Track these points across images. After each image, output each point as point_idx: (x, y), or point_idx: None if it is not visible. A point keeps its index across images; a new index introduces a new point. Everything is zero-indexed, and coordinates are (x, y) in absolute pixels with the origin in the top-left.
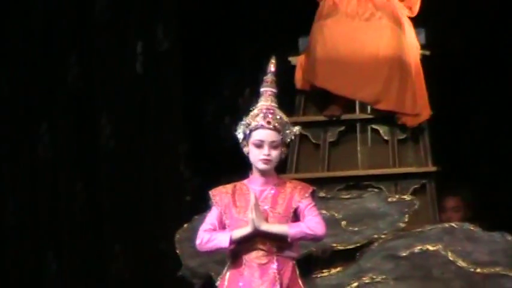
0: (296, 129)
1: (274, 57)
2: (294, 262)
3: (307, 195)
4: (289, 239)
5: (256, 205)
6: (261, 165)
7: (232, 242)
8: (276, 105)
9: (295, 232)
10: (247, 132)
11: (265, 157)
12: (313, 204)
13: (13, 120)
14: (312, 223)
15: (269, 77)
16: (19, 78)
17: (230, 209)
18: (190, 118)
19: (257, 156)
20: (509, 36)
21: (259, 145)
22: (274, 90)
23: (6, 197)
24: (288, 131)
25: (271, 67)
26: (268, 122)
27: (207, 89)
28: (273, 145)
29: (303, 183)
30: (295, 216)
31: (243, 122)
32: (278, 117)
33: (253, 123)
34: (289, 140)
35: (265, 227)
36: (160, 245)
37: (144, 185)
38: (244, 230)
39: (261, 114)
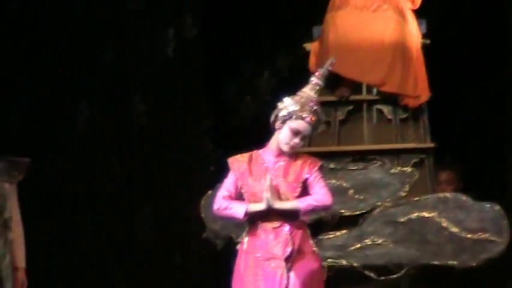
0: (323, 126)
1: (332, 60)
2: (305, 225)
3: (316, 168)
4: (300, 213)
5: (271, 186)
6: (287, 149)
7: (246, 214)
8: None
9: (306, 206)
10: (292, 115)
11: (294, 145)
12: (320, 176)
13: (56, 98)
14: (319, 195)
15: (322, 71)
16: (62, 61)
17: (246, 177)
18: (214, 97)
19: (287, 140)
20: (499, 26)
21: (295, 132)
22: (321, 84)
23: (51, 167)
24: (319, 128)
25: (330, 66)
26: (312, 119)
27: (228, 72)
28: (304, 137)
29: (312, 158)
30: (304, 187)
31: (292, 102)
32: (319, 115)
33: (301, 114)
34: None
35: (278, 205)
36: (186, 210)
37: (172, 156)
38: (259, 206)
39: (309, 108)
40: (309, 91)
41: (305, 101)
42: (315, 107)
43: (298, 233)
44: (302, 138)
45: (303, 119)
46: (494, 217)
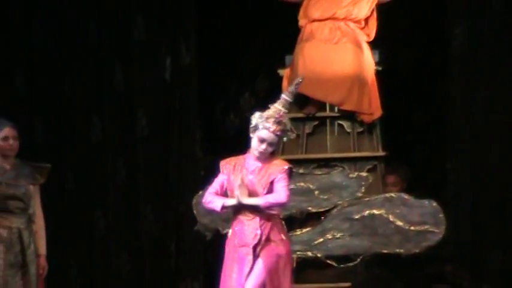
0: (292, 135)
1: (299, 80)
2: (276, 217)
3: (281, 170)
4: (261, 208)
5: (242, 184)
6: (257, 154)
7: (223, 207)
8: (287, 111)
9: (264, 202)
10: (259, 125)
11: (262, 151)
12: (284, 178)
13: (73, 114)
14: (277, 194)
15: (290, 89)
16: (79, 83)
17: (230, 174)
18: (204, 113)
19: (256, 147)
20: (440, 55)
21: (261, 140)
22: (289, 99)
23: (69, 171)
24: (286, 137)
25: (297, 85)
26: (275, 130)
27: (216, 92)
28: (271, 144)
29: (283, 162)
30: (271, 186)
31: (260, 114)
32: (284, 125)
33: (265, 124)
34: (284, 140)
35: (245, 201)
36: (180, 207)
37: (169, 162)
38: (232, 202)
39: (273, 120)
40: (277, 105)
41: (272, 113)
42: (280, 119)
43: (268, 225)
44: (269, 145)
45: (267, 128)
46: (432, 212)
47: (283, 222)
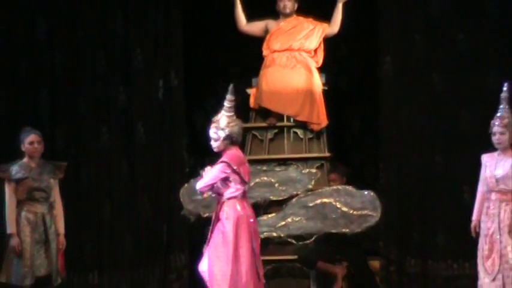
0: (222, 132)
1: (231, 86)
2: (225, 200)
3: (218, 163)
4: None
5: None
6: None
7: (200, 190)
8: (229, 114)
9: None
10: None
11: (212, 146)
12: (213, 166)
13: (85, 124)
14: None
15: (228, 97)
16: (90, 100)
17: None
18: (189, 125)
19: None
20: (373, 77)
21: (209, 137)
22: (228, 105)
23: (82, 168)
24: (221, 134)
25: (230, 92)
26: (212, 127)
27: (199, 108)
28: (213, 139)
29: (225, 157)
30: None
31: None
32: (218, 123)
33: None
34: (226, 135)
35: (197, 185)
36: (170, 197)
37: (162, 162)
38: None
39: (214, 121)
40: (222, 111)
41: (215, 117)
42: (215, 120)
43: (219, 205)
44: (214, 140)
45: (210, 127)
46: (370, 200)
47: (236, 203)
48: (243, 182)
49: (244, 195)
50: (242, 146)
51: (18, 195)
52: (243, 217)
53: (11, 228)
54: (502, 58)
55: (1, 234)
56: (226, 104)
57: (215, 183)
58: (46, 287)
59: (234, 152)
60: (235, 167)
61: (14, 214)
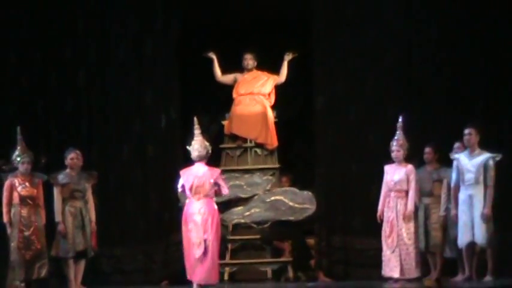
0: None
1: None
2: (211, 201)
3: (217, 174)
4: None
5: None
6: None
7: None
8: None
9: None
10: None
11: None
12: (221, 178)
13: (111, 146)
14: (223, 188)
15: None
16: (112, 130)
17: None
18: (183, 145)
19: None
20: (305, 110)
21: None
22: (198, 131)
23: (109, 176)
24: (199, 150)
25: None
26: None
27: (191, 134)
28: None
29: (215, 169)
30: (215, 183)
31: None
32: (193, 144)
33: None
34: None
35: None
36: (171, 193)
37: (165, 170)
38: None
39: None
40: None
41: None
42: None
43: (206, 205)
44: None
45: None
46: (308, 197)
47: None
48: None
49: None
50: (218, 161)
51: (63, 194)
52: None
53: (58, 217)
54: (397, 97)
55: (52, 222)
56: (196, 130)
57: None
58: (83, 258)
59: None
60: None
61: (60, 208)
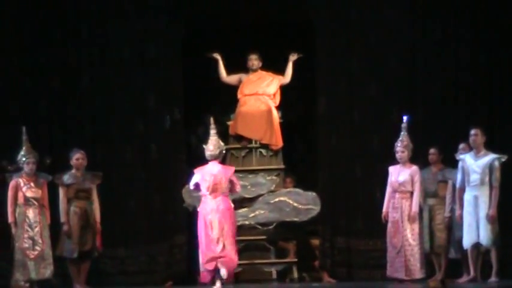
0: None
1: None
2: (227, 199)
3: (231, 172)
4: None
5: None
6: None
7: None
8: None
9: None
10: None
11: None
12: (234, 176)
13: (115, 147)
14: (237, 186)
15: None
16: (119, 129)
17: None
18: (187, 145)
19: None
20: (311, 112)
21: None
22: (214, 131)
23: (113, 176)
24: (212, 150)
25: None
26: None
27: (194, 135)
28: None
29: (229, 167)
30: (231, 181)
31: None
32: (208, 144)
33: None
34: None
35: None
36: (175, 194)
37: (168, 171)
38: None
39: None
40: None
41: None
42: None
43: (222, 202)
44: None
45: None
46: (313, 198)
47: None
48: None
49: None
50: (223, 161)
51: (68, 195)
52: None
53: (63, 218)
54: (401, 99)
55: (57, 222)
56: (212, 130)
57: None
58: (88, 259)
59: None
60: None
61: (65, 208)
